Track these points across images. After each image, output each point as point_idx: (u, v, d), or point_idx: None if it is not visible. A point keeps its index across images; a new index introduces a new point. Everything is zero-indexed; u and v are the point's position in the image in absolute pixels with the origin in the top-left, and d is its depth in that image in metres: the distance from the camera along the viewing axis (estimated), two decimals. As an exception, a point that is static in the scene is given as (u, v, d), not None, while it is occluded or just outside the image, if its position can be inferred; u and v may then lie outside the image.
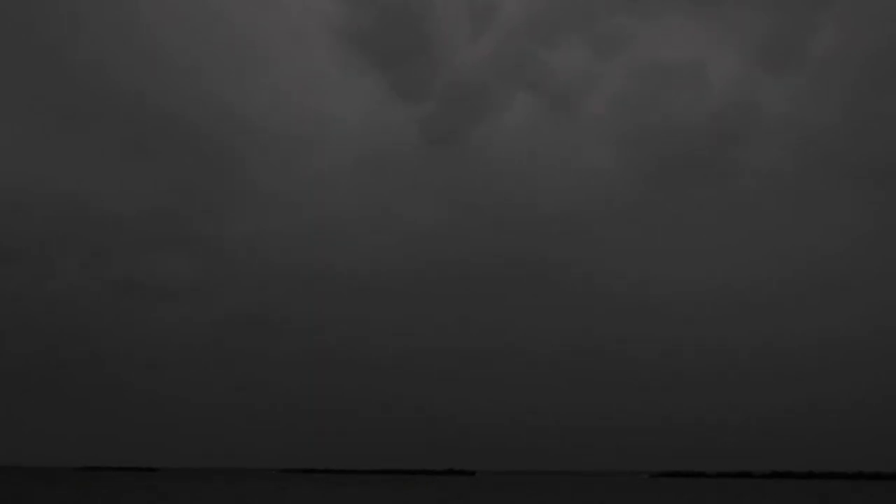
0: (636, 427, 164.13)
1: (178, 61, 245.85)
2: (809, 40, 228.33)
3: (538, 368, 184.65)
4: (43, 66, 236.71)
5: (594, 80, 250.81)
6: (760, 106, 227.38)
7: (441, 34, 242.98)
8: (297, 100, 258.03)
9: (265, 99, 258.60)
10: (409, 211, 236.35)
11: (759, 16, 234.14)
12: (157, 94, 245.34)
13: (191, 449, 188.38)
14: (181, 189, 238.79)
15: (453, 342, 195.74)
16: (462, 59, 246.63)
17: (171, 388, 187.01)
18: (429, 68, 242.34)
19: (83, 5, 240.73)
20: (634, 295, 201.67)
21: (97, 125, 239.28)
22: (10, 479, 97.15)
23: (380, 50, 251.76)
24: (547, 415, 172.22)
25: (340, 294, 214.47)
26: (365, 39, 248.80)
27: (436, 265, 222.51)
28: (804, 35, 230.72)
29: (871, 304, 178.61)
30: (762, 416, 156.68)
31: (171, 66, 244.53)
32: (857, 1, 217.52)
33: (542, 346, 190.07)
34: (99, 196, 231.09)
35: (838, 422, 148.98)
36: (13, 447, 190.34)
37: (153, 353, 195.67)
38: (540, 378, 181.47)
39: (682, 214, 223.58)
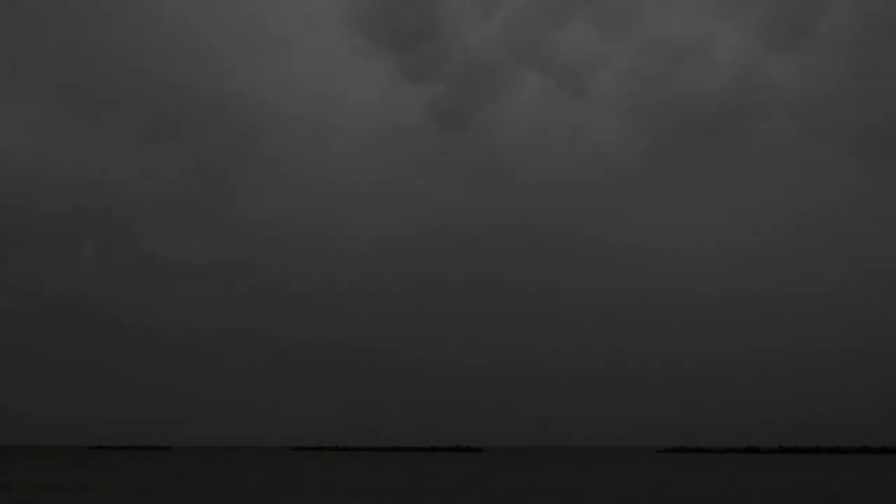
0: (643, 402, 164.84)
1: (196, 44, 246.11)
2: (818, 14, 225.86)
3: (547, 343, 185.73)
4: (64, 50, 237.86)
5: (604, 58, 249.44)
6: (769, 80, 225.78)
7: (450, 15, 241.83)
8: (310, 82, 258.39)
9: (280, 81, 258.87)
10: (421, 188, 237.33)
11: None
12: (179, 77, 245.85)
13: (204, 428, 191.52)
14: (203, 170, 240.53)
15: (463, 321, 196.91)
16: (471, 40, 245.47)
17: (187, 367, 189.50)
18: (438, 49, 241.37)
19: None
20: (648, 267, 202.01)
21: (119, 109, 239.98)
22: (26, 457, 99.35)
23: (389, 31, 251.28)
24: (554, 390, 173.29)
25: (353, 272, 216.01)
26: (374, 21, 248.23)
27: (447, 241, 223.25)
28: (813, 9, 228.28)
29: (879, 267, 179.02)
30: (769, 390, 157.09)
31: (190, 49, 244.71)
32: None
33: (550, 323, 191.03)
34: (122, 179, 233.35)
35: (846, 397, 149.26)
36: (27, 426, 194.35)
37: (174, 334, 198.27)
38: (548, 353, 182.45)
39: (693, 186, 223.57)
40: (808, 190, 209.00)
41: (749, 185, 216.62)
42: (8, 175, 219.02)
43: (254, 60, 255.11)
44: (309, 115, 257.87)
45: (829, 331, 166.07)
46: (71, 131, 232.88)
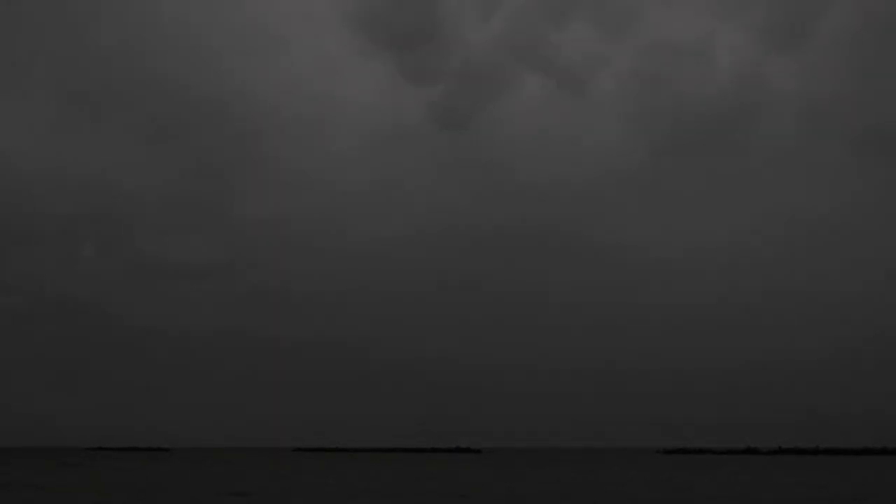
0: (644, 402, 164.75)
1: (196, 44, 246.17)
2: (818, 14, 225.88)
3: (546, 343, 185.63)
4: (64, 50, 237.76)
5: (604, 58, 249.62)
6: (769, 81, 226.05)
7: (450, 15, 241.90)
8: (310, 82, 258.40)
9: (280, 81, 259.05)
10: (421, 188, 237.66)
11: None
12: (179, 77, 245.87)
13: (204, 428, 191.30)
14: (203, 170, 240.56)
15: (463, 321, 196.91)
16: (472, 41, 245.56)
17: (187, 367, 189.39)
18: (438, 49, 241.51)
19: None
20: (648, 268, 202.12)
21: (119, 109, 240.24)
22: (26, 458, 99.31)
23: (389, 32, 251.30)
24: (554, 391, 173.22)
25: (353, 272, 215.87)
26: (374, 21, 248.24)
27: (447, 241, 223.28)
28: (813, 9, 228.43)
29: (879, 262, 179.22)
30: (769, 392, 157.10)
31: (190, 49, 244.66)
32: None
33: (550, 323, 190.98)
34: (122, 178, 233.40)
35: (846, 398, 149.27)
36: (27, 427, 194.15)
37: (174, 334, 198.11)
38: (547, 353, 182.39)
39: (693, 186, 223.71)
40: (808, 190, 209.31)
41: (749, 186, 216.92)
42: (8, 175, 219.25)
43: (254, 60, 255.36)
44: (309, 115, 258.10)
45: (829, 332, 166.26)
46: (71, 131, 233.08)
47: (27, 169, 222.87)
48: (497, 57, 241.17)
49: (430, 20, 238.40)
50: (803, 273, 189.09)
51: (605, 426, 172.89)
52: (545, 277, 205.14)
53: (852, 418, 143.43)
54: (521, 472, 57.72)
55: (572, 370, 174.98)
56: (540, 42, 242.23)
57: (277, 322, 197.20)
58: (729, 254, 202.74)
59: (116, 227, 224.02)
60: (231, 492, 34.87)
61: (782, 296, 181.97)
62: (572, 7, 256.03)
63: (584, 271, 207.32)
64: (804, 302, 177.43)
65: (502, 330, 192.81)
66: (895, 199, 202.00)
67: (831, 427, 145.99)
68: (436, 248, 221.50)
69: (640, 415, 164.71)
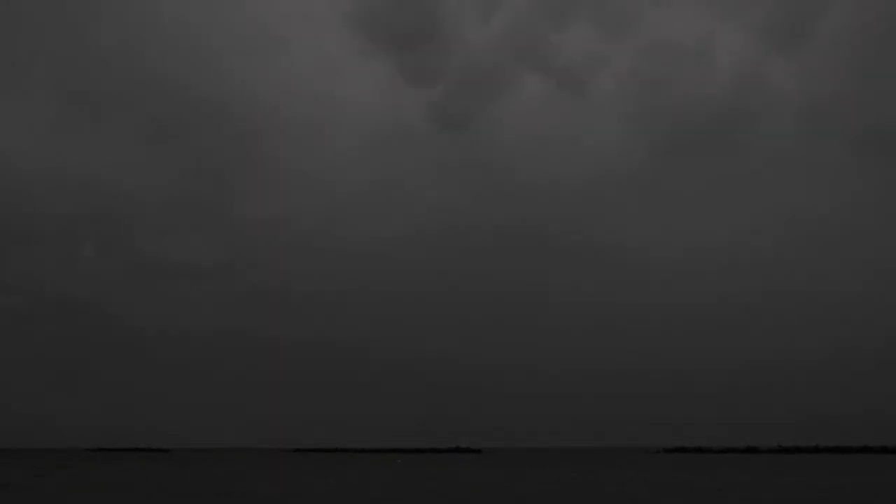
0: (644, 402, 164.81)
1: (196, 44, 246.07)
2: (818, 15, 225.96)
3: (546, 343, 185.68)
4: (64, 50, 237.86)
5: (604, 59, 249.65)
6: (769, 81, 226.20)
7: (450, 16, 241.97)
8: (310, 82, 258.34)
9: (280, 81, 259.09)
10: (421, 189, 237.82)
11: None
12: (179, 77, 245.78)
13: (203, 429, 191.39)
14: (203, 170, 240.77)
15: (463, 322, 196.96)
16: (472, 41, 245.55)
17: (187, 367, 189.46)
18: (438, 50, 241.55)
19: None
20: (647, 268, 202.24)
21: (119, 109, 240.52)
22: (26, 458, 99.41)
23: (389, 32, 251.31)
24: (554, 391, 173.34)
25: (353, 272, 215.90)
26: (374, 21, 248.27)
27: (447, 241, 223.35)
28: (812, 9, 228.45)
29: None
30: (769, 391, 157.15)
31: (190, 49, 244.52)
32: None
33: (550, 323, 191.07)
34: (122, 179, 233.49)
35: (845, 397, 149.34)
36: (27, 427, 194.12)
37: (173, 334, 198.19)
38: (547, 353, 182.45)
39: (693, 186, 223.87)
40: (808, 190, 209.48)
41: (749, 186, 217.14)
42: (8, 175, 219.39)
43: (254, 60, 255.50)
44: (309, 115, 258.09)
45: (829, 332, 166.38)
46: (71, 131, 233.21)
47: (27, 169, 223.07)
48: (497, 57, 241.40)
49: (430, 20, 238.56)
50: (803, 273, 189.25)
51: (605, 426, 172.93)
52: (545, 277, 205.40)
53: (852, 418, 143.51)
54: (521, 472, 57.70)
55: (572, 370, 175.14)
56: (540, 42, 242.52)
57: (277, 322, 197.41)
58: (729, 254, 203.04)
59: (116, 227, 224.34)
60: (231, 492, 34.86)
61: (782, 296, 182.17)
62: (572, 7, 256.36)
63: (584, 271, 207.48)
64: (804, 302, 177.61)
65: (502, 330, 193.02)
66: (895, 199, 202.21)
67: (831, 426, 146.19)
68: (436, 248, 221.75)
69: (640, 415, 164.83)
